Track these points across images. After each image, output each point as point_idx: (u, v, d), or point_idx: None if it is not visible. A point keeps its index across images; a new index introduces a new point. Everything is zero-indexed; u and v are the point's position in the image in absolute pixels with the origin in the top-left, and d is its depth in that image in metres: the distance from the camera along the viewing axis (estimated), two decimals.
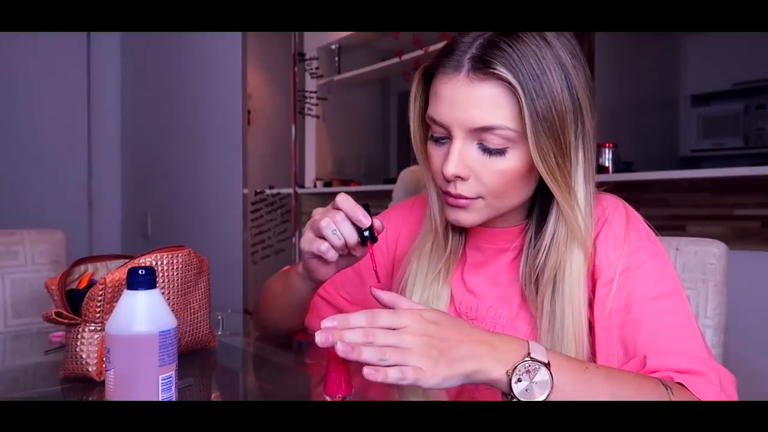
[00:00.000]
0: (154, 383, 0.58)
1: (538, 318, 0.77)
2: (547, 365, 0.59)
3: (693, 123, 3.84)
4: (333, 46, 3.65)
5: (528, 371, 0.58)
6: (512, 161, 0.71)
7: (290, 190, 3.22)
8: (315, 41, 3.58)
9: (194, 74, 3.52)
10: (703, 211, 2.12)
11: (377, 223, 0.75)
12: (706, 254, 0.95)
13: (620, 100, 3.20)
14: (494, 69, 0.68)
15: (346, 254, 0.77)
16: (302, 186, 3.49)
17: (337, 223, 0.74)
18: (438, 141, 0.74)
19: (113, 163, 4.10)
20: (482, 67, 0.69)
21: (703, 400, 0.63)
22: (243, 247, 3.22)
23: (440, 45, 3.23)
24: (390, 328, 0.59)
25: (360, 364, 0.56)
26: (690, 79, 3.85)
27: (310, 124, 3.57)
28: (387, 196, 2.94)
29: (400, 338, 0.57)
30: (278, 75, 3.46)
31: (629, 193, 2.22)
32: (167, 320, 0.60)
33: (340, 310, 0.96)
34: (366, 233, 0.74)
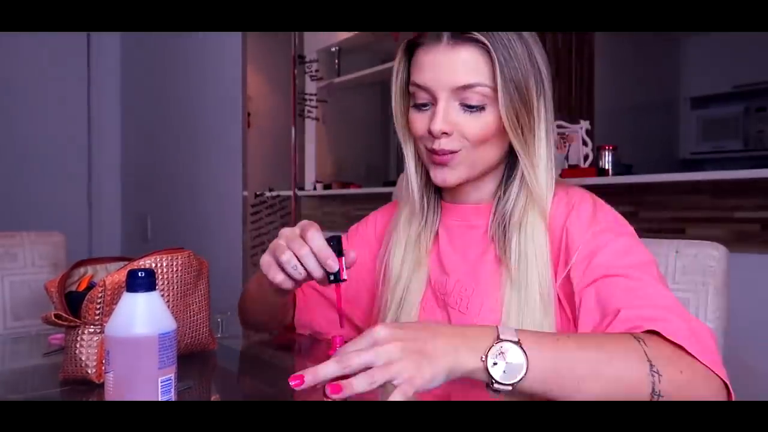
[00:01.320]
0: (154, 385, 0.58)
1: (505, 264, 0.81)
2: (518, 343, 0.59)
3: (693, 125, 3.85)
4: (333, 49, 3.64)
5: (501, 353, 0.58)
6: (490, 117, 0.80)
7: (290, 193, 3.21)
8: (314, 43, 3.58)
9: (194, 76, 3.52)
10: (703, 214, 2.12)
11: (351, 255, 0.75)
12: (705, 257, 0.95)
13: (620, 102, 3.20)
14: (471, 34, 0.77)
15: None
16: (302, 188, 3.48)
17: (302, 258, 0.73)
18: (421, 108, 0.82)
19: (113, 165, 4.10)
20: (460, 34, 0.78)
21: (673, 341, 0.63)
22: (243, 250, 3.21)
23: None
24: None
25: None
26: (689, 82, 3.86)
27: (310, 127, 3.57)
28: (387, 198, 2.93)
29: (375, 354, 0.56)
30: (278, 77, 3.46)
31: (629, 195, 2.23)
32: (167, 322, 0.59)
33: (332, 303, 0.96)
34: (332, 277, 0.73)
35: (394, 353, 0.55)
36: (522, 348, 0.58)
